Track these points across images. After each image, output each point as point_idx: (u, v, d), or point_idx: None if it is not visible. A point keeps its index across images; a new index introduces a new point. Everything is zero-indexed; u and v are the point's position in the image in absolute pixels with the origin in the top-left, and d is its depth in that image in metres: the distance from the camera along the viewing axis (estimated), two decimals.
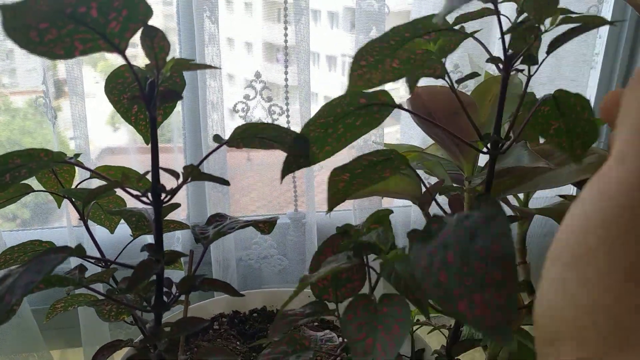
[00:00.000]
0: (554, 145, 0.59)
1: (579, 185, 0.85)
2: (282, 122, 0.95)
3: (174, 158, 1.02)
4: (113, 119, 1.12)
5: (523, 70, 0.55)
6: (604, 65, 1.12)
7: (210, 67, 0.43)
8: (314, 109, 0.95)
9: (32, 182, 0.67)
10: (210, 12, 0.87)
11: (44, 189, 0.69)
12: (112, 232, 0.79)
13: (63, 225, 1.03)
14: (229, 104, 0.94)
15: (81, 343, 1.03)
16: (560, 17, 0.46)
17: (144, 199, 0.48)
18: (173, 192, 0.47)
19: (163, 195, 0.47)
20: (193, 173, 0.47)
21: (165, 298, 0.56)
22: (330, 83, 1.23)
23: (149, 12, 0.33)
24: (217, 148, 0.49)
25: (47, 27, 0.30)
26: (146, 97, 0.41)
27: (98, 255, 0.72)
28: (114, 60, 1.09)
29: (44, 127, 1.02)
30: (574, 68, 1.05)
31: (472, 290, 0.34)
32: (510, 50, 0.48)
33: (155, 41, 0.37)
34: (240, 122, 0.94)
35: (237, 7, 1.00)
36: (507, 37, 0.50)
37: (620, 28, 1.09)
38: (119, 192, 0.69)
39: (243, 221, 0.56)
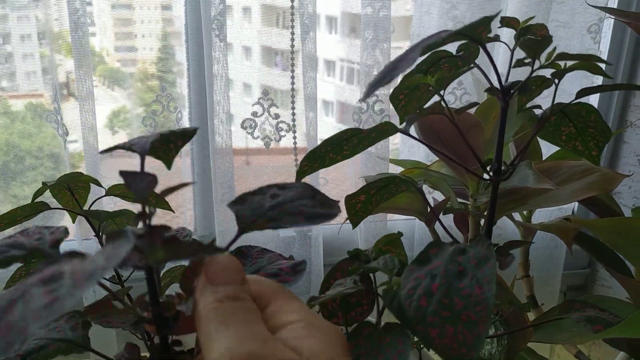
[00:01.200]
0: (568, 149, 0.61)
1: (584, 202, 0.87)
2: (289, 137, 0.97)
3: (181, 162, 1.03)
4: (112, 122, 1.13)
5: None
6: (605, 81, 1.14)
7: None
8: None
9: (47, 199, 0.69)
10: (218, 31, 0.89)
11: (60, 207, 0.71)
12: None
13: (72, 238, 1.04)
14: (236, 114, 0.96)
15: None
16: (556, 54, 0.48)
17: None
18: None
19: None
20: None
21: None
22: (328, 89, 1.24)
23: None
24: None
25: None
26: None
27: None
28: (113, 64, 1.11)
29: (44, 131, 1.03)
30: (576, 83, 1.07)
31: (446, 322, 0.38)
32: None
33: None
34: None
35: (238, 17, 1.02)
36: (501, 65, 0.52)
37: (621, 45, 1.11)
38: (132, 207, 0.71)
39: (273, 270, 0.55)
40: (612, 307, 0.63)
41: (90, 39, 0.94)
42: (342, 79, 1.33)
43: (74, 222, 0.76)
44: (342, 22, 1.20)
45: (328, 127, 1.25)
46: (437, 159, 0.96)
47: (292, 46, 0.95)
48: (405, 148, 1.13)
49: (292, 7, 0.94)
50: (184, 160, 1.03)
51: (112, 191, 0.70)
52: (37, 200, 0.68)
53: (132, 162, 1.05)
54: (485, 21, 0.43)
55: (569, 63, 0.52)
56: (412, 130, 0.69)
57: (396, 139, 1.20)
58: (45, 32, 0.90)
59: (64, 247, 1.01)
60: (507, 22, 0.52)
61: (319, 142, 0.62)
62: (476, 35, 0.45)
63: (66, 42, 0.89)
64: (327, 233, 1.08)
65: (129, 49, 1.05)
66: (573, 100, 0.52)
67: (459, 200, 0.88)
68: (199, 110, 0.99)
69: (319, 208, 0.39)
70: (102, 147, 1.00)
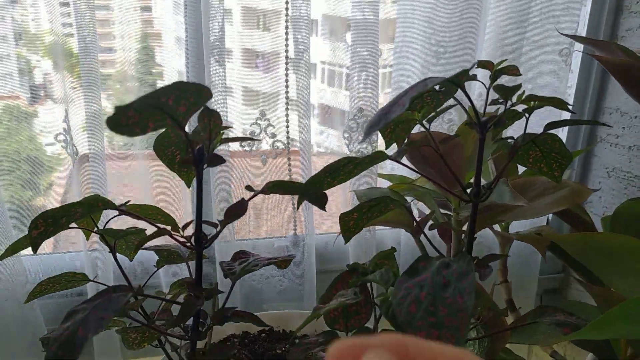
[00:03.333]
0: (534, 171, 0.69)
1: (561, 215, 0.94)
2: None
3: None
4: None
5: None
6: (576, 97, 1.22)
7: (247, 138, 0.52)
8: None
9: None
10: (218, 57, 0.96)
11: (77, 227, 0.77)
12: (131, 259, 0.86)
13: (79, 249, 1.10)
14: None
15: (93, 356, 1.09)
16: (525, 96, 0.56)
17: (187, 243, 0.56)
18: (211, 239, 0.55)
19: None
20: (227, 222, 0.55)
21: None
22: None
23: (209, 96, 0.41)
24: (251, 198, 0.57)
25: (133, 114, 0.37)
26: (196, 161, 0.49)
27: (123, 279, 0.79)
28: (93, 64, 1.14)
29: (21, 133, 1.03)
30: (541, 112, 1.15)
31: (432, 327, 0.45)
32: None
33: (212, 120, 0.46)
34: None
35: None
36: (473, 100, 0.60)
37: (590, 64, 1.19)
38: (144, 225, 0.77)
39: (265, 259, 0.64)
40: (580, 312, 0.71)
41: (68, 39, 0.95)
42: (323, 81, 1.39)
43: (87, 240, 0.81)
44: (323, 25, 1.26)
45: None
46: None
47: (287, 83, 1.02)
48: (392, 162, 1.21)
49: (287, 8, 0.99)
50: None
51: (131, 210, 0.76)
52: None
53: (109, 165, 1.07)
54: (465, 72, 0.51)
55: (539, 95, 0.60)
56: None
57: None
58: (22, 33, 0.93)
59: (72, 257, 1.07)
60: (483, 64, 0.59)
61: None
62: (457, 81, 0.53)
63: (44, 43, 0.90)
64: (319, 242, 1.15)
65: (108, 50, 1.05)
66: (541, 133, 0.59)
67: (443, 211, 0.96)
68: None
69: None
70: (82, 150, 0.99)
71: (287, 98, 1.04)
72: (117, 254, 0.85)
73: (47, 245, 1.10)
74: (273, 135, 1.02)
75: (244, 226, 1.20)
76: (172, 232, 0.56)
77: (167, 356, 0.76)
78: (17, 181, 1.04)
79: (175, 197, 1.20)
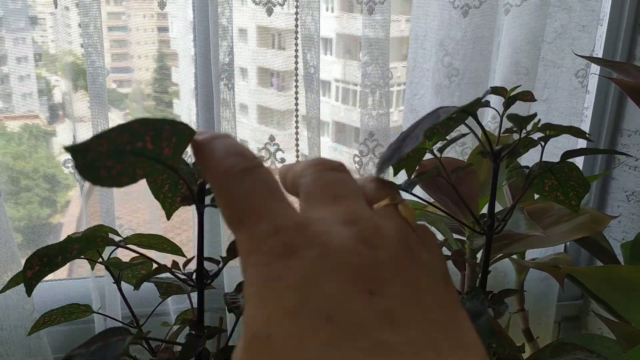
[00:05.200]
0: (550, 200, 0.66)
1: (579, 241, 0.91)
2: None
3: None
4: None
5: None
6: (593, 118, 1.19)
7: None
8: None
9: None
10: (227, 80, 0.94)
11: (83, 257, 0.75)
12: (136, 289, 0.85)
13: (87, 275, 1.08)
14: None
15: None
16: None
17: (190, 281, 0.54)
18: (213, 276, 0.53)
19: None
20: (230, 259, 0.54)
21: None
22: (323, 109, 1.28)
23: (192, 132, 0.38)
24: None
25: (113, 164, 0.34)
26: (196, 199, 0.47)
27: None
28: (109, 84, 1.14)
29: (39, 152, 1.04)
30: (564, 120, 1.12)
31: None
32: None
33: None
34: None
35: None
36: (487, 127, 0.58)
37: (608, 85, 1.16)
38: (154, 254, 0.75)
39: None
40: (599, 346, 0.68)
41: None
42: (337, 99, 1.38)
43: (92, 270, 0.80)
44: (338, 44, 1.25)
45: (324, 146, 1.30)
46: None
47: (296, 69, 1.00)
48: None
49: (296, 29, 0.98)
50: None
51: (131, 240, 0.74)
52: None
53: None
54: (479, 101, 0.48)
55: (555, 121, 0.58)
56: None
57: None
58: (42, 54, 0.93)
59: (80, 283, 1.05)
60: (496, 91, 0.57)
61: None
62: (472, 110, 0.50)
63: (62, 63, 0.90)
64: None
65: (125, 70, 1.06)
66: (558, 163, 0.57)
67: (456, 236, 0.93)
68: None
69: None
70: None
71: (296, 116, 1.03)
72: (125, 282, 0.83)
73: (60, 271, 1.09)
74: (282, 161, 1.00)
75: None
76: (173, 269, 0.54)
77: None
78: (35, 199, 1.04)
79: (186, 215, 1.19)
